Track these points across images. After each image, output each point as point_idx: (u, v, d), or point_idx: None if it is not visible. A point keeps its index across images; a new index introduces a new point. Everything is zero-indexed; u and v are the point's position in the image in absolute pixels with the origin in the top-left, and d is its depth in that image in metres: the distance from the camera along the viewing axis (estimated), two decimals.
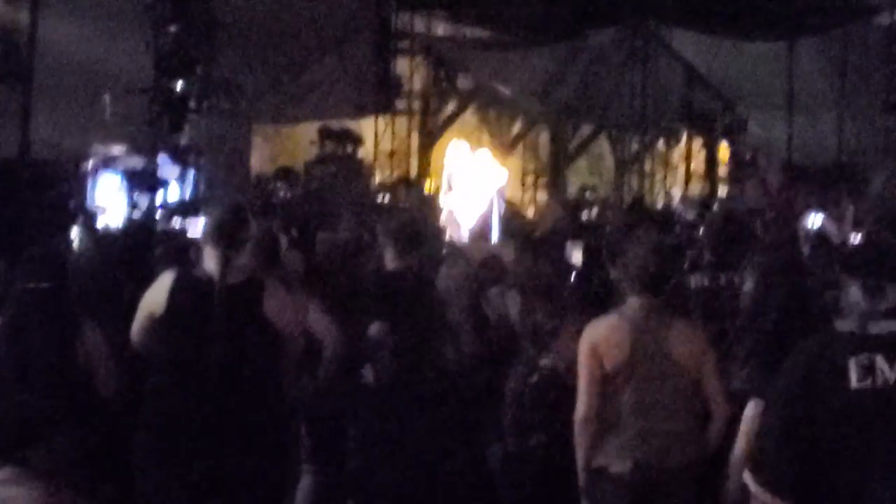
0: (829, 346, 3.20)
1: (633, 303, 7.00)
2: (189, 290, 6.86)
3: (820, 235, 11.90)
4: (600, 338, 6.93)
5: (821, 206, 17.12)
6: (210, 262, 6.85)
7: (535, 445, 7.61)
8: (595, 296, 8.71)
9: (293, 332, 7.10)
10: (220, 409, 6.78)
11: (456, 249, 13.63)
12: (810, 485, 3.19)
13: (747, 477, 3.86)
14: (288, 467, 7.63)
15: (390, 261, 8.76)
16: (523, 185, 29.93)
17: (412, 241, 8.79)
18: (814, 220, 15.45)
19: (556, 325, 7.70)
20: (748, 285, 7.93)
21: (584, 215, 24.61)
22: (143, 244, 7.36)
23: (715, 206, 21.61)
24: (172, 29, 18.06)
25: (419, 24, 26.85)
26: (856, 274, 3.34)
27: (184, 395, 6.85)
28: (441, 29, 28.29)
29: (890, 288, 3.20)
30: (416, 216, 14.59)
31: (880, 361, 3.12)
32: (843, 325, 3.19)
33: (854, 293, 3.24)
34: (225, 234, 6.85)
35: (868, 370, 3.13)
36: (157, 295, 6.94)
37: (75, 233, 9.69)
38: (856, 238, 11.16)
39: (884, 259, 3.25)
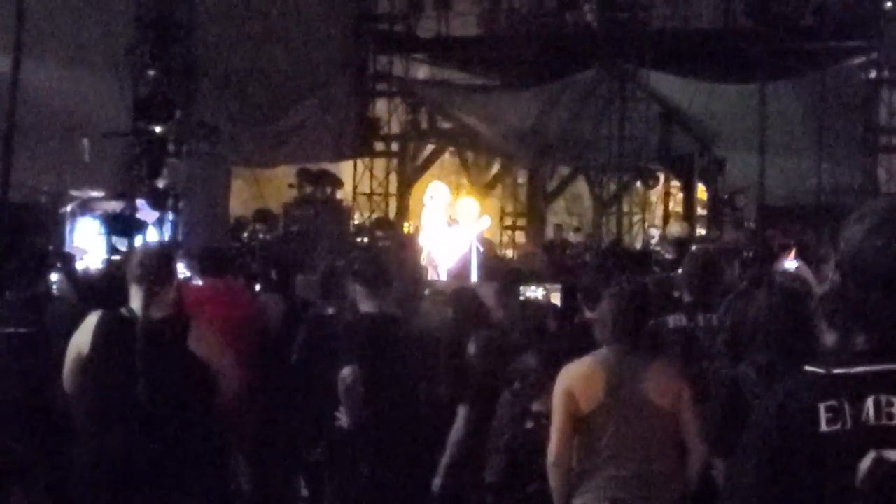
0: (798, 391, 3.22)
1: (608, 346, 7.02)
2: (113, 327, 6.87)
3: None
4: (575, 381, 6.92)
5: (798, 249, 17.13)
6: (135, 300, 6.88)
7: (533, 493, 7.55)
8: (576, 338, 8.70)
9: (224, 368, 7.13)
10: (150, 445, 6.79)
11: (435, 290, 13.60)
12: None
13: None
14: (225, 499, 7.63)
15: (363, 303, 8.75)
16: (502, 225, 30.00)
17: (382, 282, 8.78)
18: (790, 263, 15.44)
19: (547, 368, 7.65)
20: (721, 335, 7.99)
21: (563, 255, 24.72)
22: (122, 288, 7.34)
23: (693, 247, 21.67)
24: (151, 74, 18.13)
25: (398, 68, 26.97)
26: (824, 319, 3.37)
27: (113, 433, 6.86)
28: (419, 72, 28.44)
29: (859, 332, 3.22)
30: (383, 256, 14.60)
31: (848, 404, 3.14)
32: (812, 369, 3.21)
33: (825, 337, 3.27)
34: (148, 272, 6.88)
35: (837, 413, 3.15)
36: (82, 336, 6.94)
37: (54, 277, 9.69)
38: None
39: (848, 306, 3.27)
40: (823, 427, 3.07)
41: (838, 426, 3.07)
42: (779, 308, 6.71)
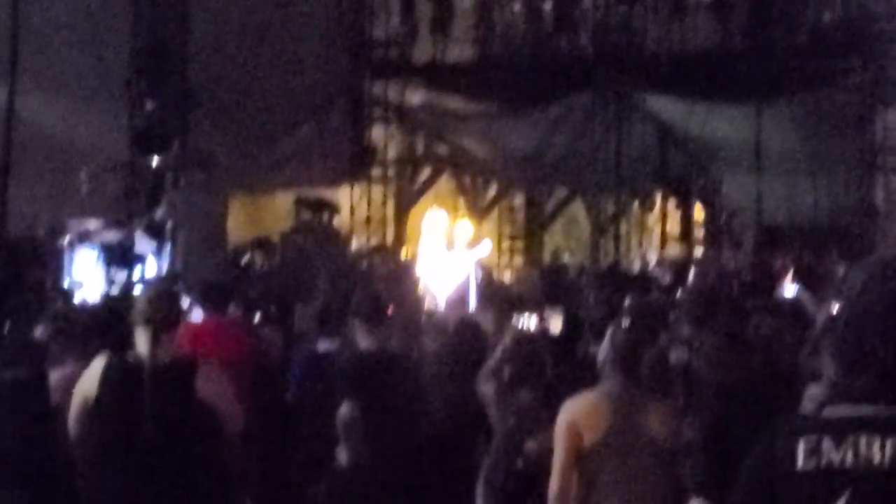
0: (783, 429, 3.27)
1: (611, 381, 7.00)
2: (120, 373, 6.82)
3: (795, 306, 11.89)
4: (579, 415, 6.90)
5: (797, 271, 17.15)
6: (141, 342, 6.84)
7: None
8: (576, 371, 8.66)
9: (230, 410, 7.10)
10: (156, 491, 6.74)
11: (433, 319, 13.58)
12: None
13: None
14: None
15: (361, 338, 8.74)
16: (499, 249, 29.97)
17: (380, 318, 8.78)
18: (790, 288, 15.44)
19: (542, 404, 7.60)
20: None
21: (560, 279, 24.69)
22: (124, 328, 7.32)
23: (691, 270, 21.67)
24: (149, 105, 18.14)
25: (393, 93, 26.98)
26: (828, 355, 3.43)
27: (119, 479, 6.81)
28: (415, 97, 28.44)
29: (854, 374, 3.27)
30: (380, 291, 14.56)
31: (826, 443, 3.18)
32: (802, 410, 3.27)
33: (827, 370, 3.33)
34: (154, 314, 6.84)
35: (813, 452, 3.19)
36: (88, 381, 6.89)
37: (53, 315, 9.65)
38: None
39: (848, 349, 3.31)
40: (800, 465, 3.12)
41: (814, 464, 3.11)
42: None
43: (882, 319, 3.17)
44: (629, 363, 6.95)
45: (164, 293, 7.14)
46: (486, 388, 8.26)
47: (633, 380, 6.95)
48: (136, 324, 6.90)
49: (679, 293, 17.22)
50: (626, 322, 7.19)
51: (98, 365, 6.88)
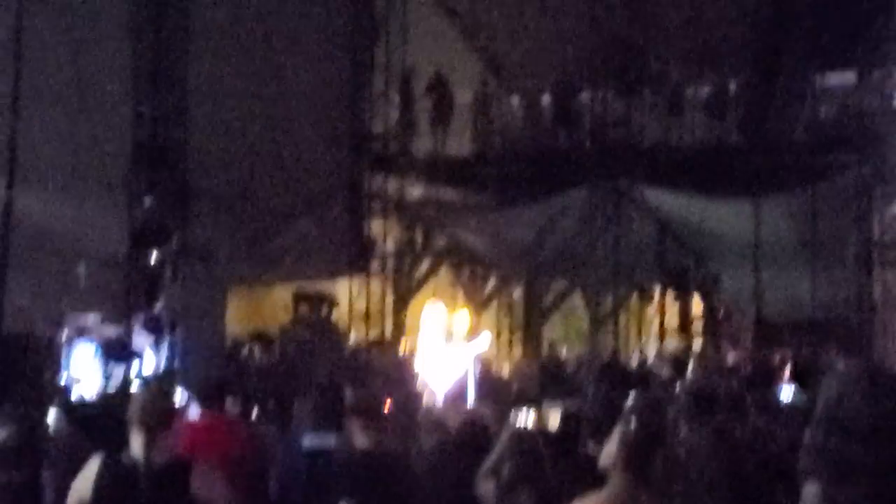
0: None
1: (620, 482, 6.83)
2: (114, 475, 6.77)
3: (793, 408, 11.86)
4: None
5: (794, 368, 17.12)
6: (136, 443, 6.80)
7: None
8: (576, 470, 8.55)
9: None
10: None
11: (431, 415, 13.54)
12: None
13: None
14: None
15: (358, 436, 8.70)
16: (498, 342, 29.91)
17: (377, 416, 8.75)
18: (787, 389, 15.39)
19: None
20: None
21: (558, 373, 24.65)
22: (120, 427, 7.28)
23: (690, 365, 21.64)
24: (147, 199, 18.20)
25: (392, 186, 27.10)
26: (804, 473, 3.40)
27: None
28: (414, 190, 28.55)
29: (842, 484, 3.27)
30: (377, 388, 14.53)
31: None
32: None
33: (805, 490, 3.31)
34: (148, 416, 6.81)
35: None
36: (84, 482, 6.84)
37: (51, 415, 9.63)
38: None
39: (831, 459, 3.32)
40: None
41: None
42: None
43: (867, 429, 3.18)
44: (639, 464, 6.82)
45: (158, 394, 7.10)
46: (485, 488, 8.19)
47: (642, 481, 6.81)
48: (130, 425, 6.87)
49: (678, 388, 17.16)
50: (634, 422, 7.04)
51: (93, 467, 6.83)
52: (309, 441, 10.79)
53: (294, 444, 10.73)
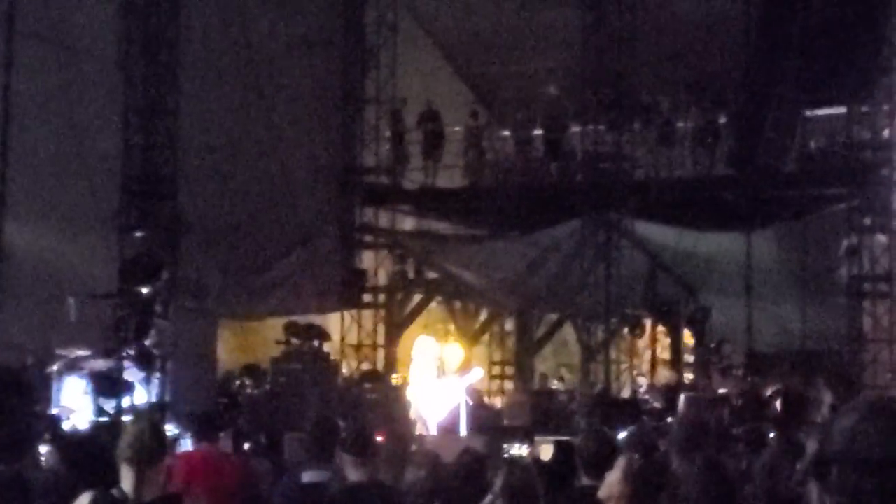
0: None
1: None
2: None
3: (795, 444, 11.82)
4: None
5: (785, 398, 17.15)
6: (126, 480, 6.75)
7: None
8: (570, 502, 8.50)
9: None
10: None
11: (424, 447, 13.54)
12: None
13: None
14: None
15: (350, 470, 8.70)
16: (490, 374, 29.92)
17: (369, 450, 8.74)
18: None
19: None
20: None
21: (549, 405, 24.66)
22: (111, 462, 7.24)
23: (681, 398, 21.66)
24: (138, 233, 18.19)
25: (384, 219, 27.12)
26: None
27: None
28: (406, 223, 28.58)
29: None
30: (368, 422, 14.52)
31: None
32: None
33: None
34: (138, 452, 6.77)
35: None
36: None
37: (42, 450, 9.61)
38: None
39: (847, 494, 3.33)
40: None
41: None
42: None
43: (878, 464, 3.20)
44: (643, 497, 6.77)
45: (148, 430, 7.03)
46: None
47: None
48: (120, 461, 6.83)
49: (669, 420, 17.17)
50: (634, 457, 6.99)
51: (84, 502, 6.80)
52: (302, 476, 10.80)
53: (289, 479, 10.72)
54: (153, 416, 6.93)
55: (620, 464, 6.92)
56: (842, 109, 23.98)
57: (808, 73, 23.57)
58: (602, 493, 6.95)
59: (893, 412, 3.25)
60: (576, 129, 26.19)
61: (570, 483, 9.60)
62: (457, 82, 30.41)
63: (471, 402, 22.38)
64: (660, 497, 6.91)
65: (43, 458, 9.55)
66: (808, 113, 24.47)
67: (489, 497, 8.31)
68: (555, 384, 29.59)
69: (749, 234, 24.00)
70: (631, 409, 22.48)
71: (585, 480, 8.28)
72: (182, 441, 13.30)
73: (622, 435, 11.58)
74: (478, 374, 24.36)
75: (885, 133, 23.13)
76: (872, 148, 23.36)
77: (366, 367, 26.22)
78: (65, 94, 18.77)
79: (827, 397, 21.59)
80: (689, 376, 27.13)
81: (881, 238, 22.99)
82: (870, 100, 23.43)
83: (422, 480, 9.94)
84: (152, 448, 6.82)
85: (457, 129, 27.42)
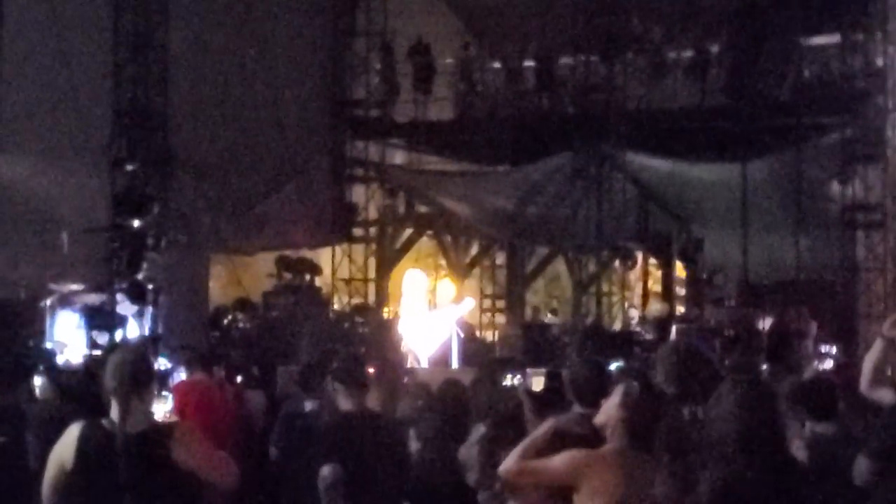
0: None
1: (621, 443, 6.68)
2: (96, 441, 6.64)
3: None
4: (593, 474, 6.58)
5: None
6: (114, 409, 6.71)
7: None
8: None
9: (212, 475, 6.92)
10: None
11: (415, 379, 13.55)
12: None
13: None
14: None
15: (342, 400, 8.71)
16: (481, 307, 29.93)
17: (359, 381, 8.75)
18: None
19: None
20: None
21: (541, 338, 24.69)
22: (99, 385, 7.19)
23: (673, 328, 21.69)
24: (129, 168, 18.11)
25: (374, 153, 27.02)
26: None
27: None
28: (396, 157, 28.49)
29: None
30: (360, 353, 14.52)
31: None
32: None
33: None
34: (125, 381, 6.71)
35: None
36: (65, 449, 6.70)
37: (37, 381, 9.59)
38: None
39: None
40: None
41: None
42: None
43: None
44: (642, 431, 6.70)
45: (133, 360, 6.94)
46: (469, 452, 8.17)
47: (645, 449, 6.70)
48: (108, 391, 6.77)
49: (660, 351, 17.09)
50: (634, 385, 6.91)
51: (74, 432, 6.75)
52: (295, 406, 10.82)
53: (280, 409, 10.76)
54: (139, 347, 6.85)
55: (619, 390, 6.86)
56: (836, 38, 23.86)
57: (802, 2, 23.48)
58: (599, 419, 6.88)
59: None
60: (567, 59, 26.06)
61: (561, 407, 9.60)
62: (448, 14, 30.19)
63: (462, 335, 22.41)
64: (658, 424, 6.85)
65: (38, 389, 9.53)
66: (803, 41, 24.35)
67: (480, 427, 8.32)
68: (547, 317, 29.62)
69: (742, 165, 23.90)
70: (623, 342, 22.52)
71: (578, 409, 8.25)
72: (176, 374, 13.31)
73: (614, 366, 11.61)
74: (469, 305, 24.36)
75: (879, 61, 22.98)
76: (866, 76, 23.23)
77: (357, 300, 26.21)
78: (54, 26, 18.62)
79: (812, 329, 21.66)
80: (681, 309, 27.14)
81: (875, 167, 22.88)
82: (864, 28, 23.27)
83: (412, 410, 9.97)
84: (136, 378, 6.74)
85: (448, 61, 27.29)
